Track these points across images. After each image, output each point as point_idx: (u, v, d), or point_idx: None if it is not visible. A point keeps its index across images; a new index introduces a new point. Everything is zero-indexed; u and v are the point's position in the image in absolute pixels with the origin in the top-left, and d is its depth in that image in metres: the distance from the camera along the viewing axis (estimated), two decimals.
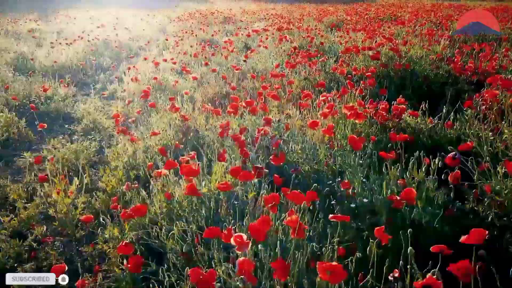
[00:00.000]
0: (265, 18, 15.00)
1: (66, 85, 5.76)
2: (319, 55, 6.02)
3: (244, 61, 5.46)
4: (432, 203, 2.04)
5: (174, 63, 6.07)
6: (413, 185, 2.11)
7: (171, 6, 23.45)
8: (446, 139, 3.02)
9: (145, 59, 6.84)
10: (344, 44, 6.70)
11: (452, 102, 3.47)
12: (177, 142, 3.12)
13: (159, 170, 2.26)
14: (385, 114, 3.23)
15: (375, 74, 4.08)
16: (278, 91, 4.04)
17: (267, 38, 7.76)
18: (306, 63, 4.99)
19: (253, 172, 1.96)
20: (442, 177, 2.01)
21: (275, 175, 2.21)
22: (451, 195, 2.05)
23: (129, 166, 3.09)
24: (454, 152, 1.95)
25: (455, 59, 4.99)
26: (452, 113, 3.24)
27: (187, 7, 22.92)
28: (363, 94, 3.77)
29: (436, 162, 2.08)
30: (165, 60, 6.16)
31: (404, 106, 3.27)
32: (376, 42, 6.33)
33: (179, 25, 12.90)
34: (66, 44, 8.42)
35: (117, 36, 9.88)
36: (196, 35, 9.15)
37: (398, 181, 2.15)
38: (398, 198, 1.88)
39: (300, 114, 3.52)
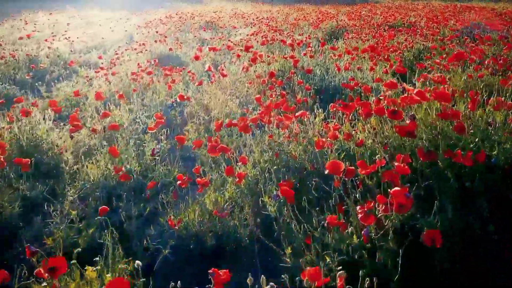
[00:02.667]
0: (253, 23, 12.81)
1: None
2: (301, 97, 3.85)
3: (154, 156, 3.09)
4: None
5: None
6: None
7: (158, 8, 21.32)
8: None
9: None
10: (343, 70, 4.48)
11: None
12: None
13: None
14: None
15: (407, 179, 1.84)
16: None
17: (238, 56, 5.55)
18: (273, 119, 2.77)
19: None
20: None
21: None
22: None
23: None
24: None
25: None
26: None
27: (174, 9, 20.78)
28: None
29: None
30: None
31: None
32: (394, 69, 4.13)
33: (148, 32, 10.71)
34: None
35: (54, 50, 7.69)
36: (147, 50, 6.94)
37: None
38: None
39: None
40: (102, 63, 6.56)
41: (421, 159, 1.80)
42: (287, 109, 2.63)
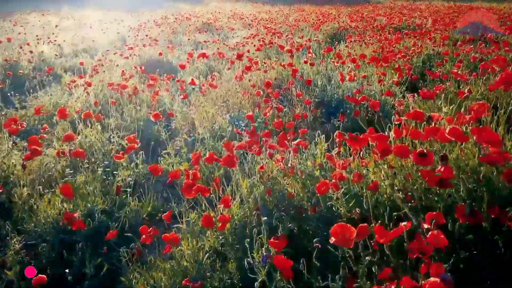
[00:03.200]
0: (252, 24, 12.34)
1: None
2: (300, 111, 3.40)
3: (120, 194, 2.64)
4: None
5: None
6: None
7: (156, 8, 20.86)
8: None
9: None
10: (347, 80, 4.00)
11: None
12: None
13: None
14: None
15: (445, 256, 1.36)
16: None
17: (233, 63, 5.08)
18: (270, 148, 2.29)
19: None
20: None
21: None
22: None
23: None
24: None
25: None
26: None
27: (173, 9, 20.31)
28: None
29: None
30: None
31: None
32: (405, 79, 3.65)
33: (137, 34, 10.23)
34: None
35: (39, 54, 7.22)
36: (136, 55, 6.45)
37: None
38: None
39: None
40: (87, 69, 6.10)
41: (460, 220, 1.33)
42: (282, 138, 2.15)
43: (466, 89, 3.30)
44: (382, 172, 1.69)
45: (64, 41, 9.00)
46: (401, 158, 1.57)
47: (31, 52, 6.87)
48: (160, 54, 6.20)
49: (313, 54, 5.02)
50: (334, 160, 1.97)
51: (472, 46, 5.60)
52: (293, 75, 3.97)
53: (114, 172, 2.66)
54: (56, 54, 7.29)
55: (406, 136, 1.67)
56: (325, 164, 2.09)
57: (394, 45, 6.28)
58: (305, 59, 4.44)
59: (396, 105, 3.39)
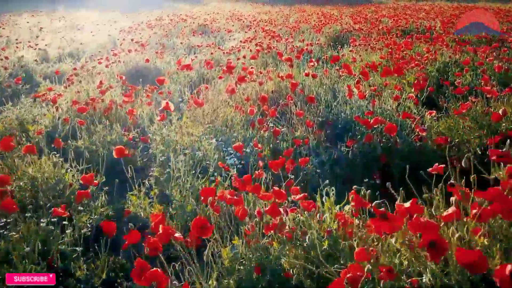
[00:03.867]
0: (250, 26, 11.75)
1: None
2: (300, 134, 2.83)
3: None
4: None
5: None
6: None
7: (154, 8, 20.24)
8: None
9: None
10: (357, 94, 3.42)
11: None
12: None
13: None
14: None
15: None
16: None
17: (224, 72, 4.48)
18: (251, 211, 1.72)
19: None
20: None
21: None
22: None
23: None
24: None
25: None
26: None
27: (171, 9, 19.71)
28: None
29: None
30: None
31: None
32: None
33: (132, 36, 9.66)
34: None
35: (19, 59, 6.65)
36: (121, 62, 5.86)
37: None
38: None
39: None
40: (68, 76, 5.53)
41: None
42: (280, 196, 1.56)
43: (500, 110, 2.73)
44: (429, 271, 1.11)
45: (46, 45, 8.42)
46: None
47: (6, 58, 6.29)
48: (147, 60, 5.62)
49: (315, 63, 4.43)
50: (349, 231, 1.39)
51: (492, 52, 5.01)
52: (292, 89, 3.39)
53: (64, 222, 2.08)
54: (35, 60, 6.71)
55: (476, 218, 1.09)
56: (335, 231, 1.51)
57: (404, 51, 5.70)
58: (307, 71, 3.84)
59: (416, 129, 2.81)
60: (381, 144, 2.77)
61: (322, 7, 21.39)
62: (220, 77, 4.47)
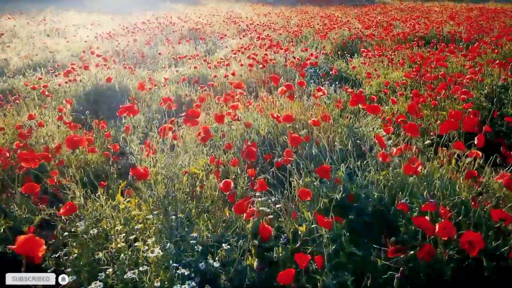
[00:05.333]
0: (247, 30, 10.53)
1: None
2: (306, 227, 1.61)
3: None
4: None
5: None
6: None
7: (149, 9, 18.99)
8: None
9: None
10: (393, 152, 2.20)
11: None
12: None
13: None
14: None
15: None
16: None
17: (202, 101, 3.27)
18: None
19: None
20: None
21: None
22: None
23: None
24: None
25: None
26: None
27: (167, 10, 18.45)
28: None
29: None
30: None
31: None
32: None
33: (109, 43, 8.45)
34: None
35: None
36: (79, 80, 4.64)
37: None
38: None
39: None
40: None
41: None
42: None
43: None
44: None
45: (10, 54, 7.22)
46: None
47: None
48: (109, 79, 4.40)
49: (324, 90, 3.17)
50: None
51: None
52: (296, 145, 2.17)
53: None
54: None
55: None
56: None
57: (435, 67, 4.49)
58: (314, 121, 2.55)
59: None
60: (451, 265, 1.56)
61: (325, 8, 20.12)
62: (198, 105, 3.25)
